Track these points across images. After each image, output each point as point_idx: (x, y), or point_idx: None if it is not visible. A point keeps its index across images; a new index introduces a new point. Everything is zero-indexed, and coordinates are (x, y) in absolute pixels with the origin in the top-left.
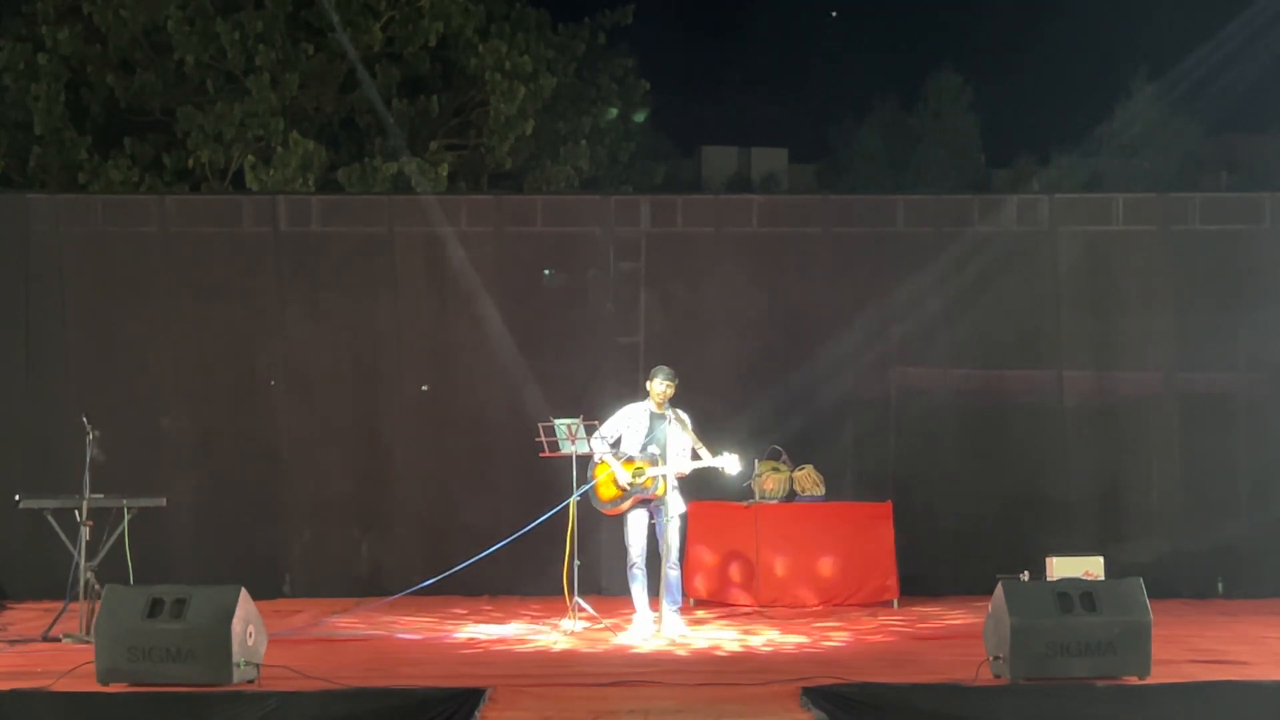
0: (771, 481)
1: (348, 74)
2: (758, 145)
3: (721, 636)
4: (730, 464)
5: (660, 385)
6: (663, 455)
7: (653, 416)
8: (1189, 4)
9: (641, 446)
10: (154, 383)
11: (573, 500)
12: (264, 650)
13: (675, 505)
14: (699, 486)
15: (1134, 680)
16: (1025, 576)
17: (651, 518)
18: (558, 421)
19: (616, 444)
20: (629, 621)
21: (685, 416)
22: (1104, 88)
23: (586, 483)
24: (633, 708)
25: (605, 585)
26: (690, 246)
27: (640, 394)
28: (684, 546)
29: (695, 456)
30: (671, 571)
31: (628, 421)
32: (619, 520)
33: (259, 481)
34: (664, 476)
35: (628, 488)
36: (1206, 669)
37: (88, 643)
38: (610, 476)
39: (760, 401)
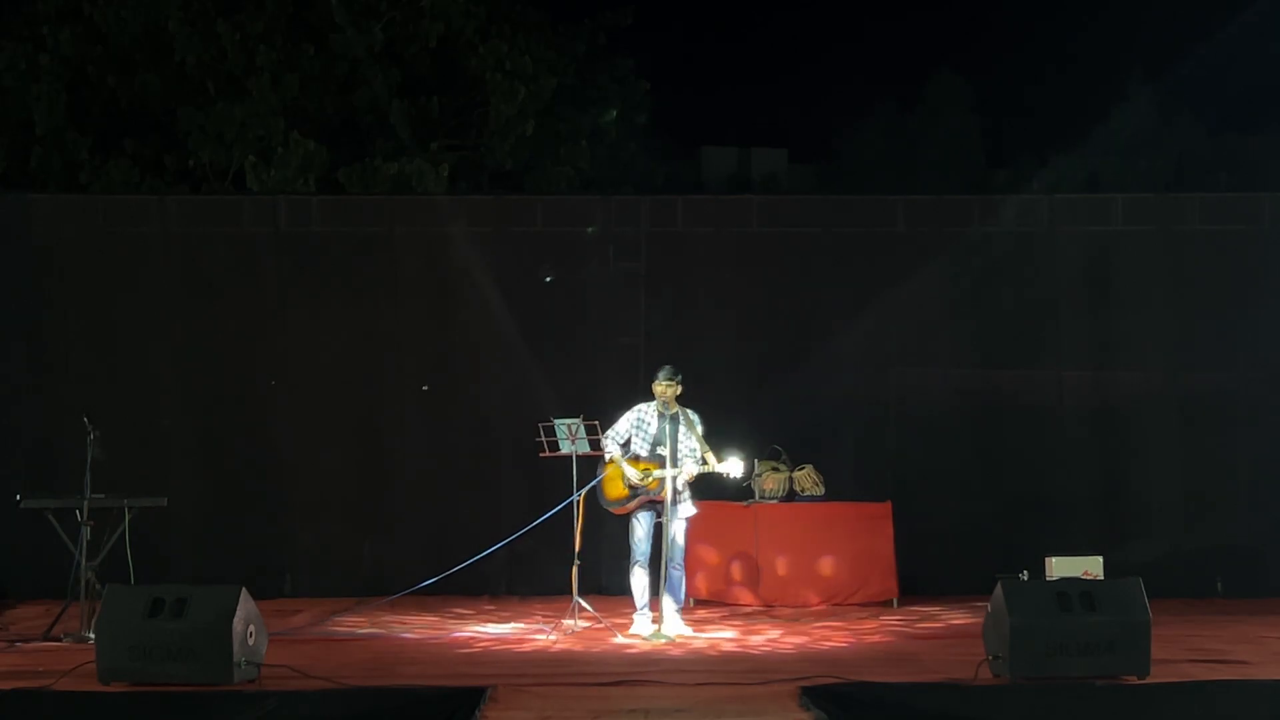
0: (771, 481)
1: (348, 74)
2: (758, 145)
3: (722, 636)
4: (734, 468)
5: (660, 385)
6: (671, 457)
7: (661, 417)
8: (1188, 4)
9: (650, 447)
10: (154, 383)
11: (579, 497)
12: (265, 650)
13: (685, 508)
14: (699, 486)
15: (1133, 680)
16: (1025, 576)
17: (658, 518)
18: (558, 421)
19: (626, 444)
20: (630, 621)
21: (695, 417)
22: (1103, 88)
23: (593, 481)
24: (633, 708)
25: (605, 585)
26: (690, 246)
27: (640, 394)
28: (687, 547)
29: (701, 461)
30: (675, 572)
31: (637, 421)
32: (623, 520)
33: (259, 481)
34: (672, 478)
35: (635, 488)
36: (1206, 669)
37: (89, 642)
38: (619, 476)
39: (760, 401)
